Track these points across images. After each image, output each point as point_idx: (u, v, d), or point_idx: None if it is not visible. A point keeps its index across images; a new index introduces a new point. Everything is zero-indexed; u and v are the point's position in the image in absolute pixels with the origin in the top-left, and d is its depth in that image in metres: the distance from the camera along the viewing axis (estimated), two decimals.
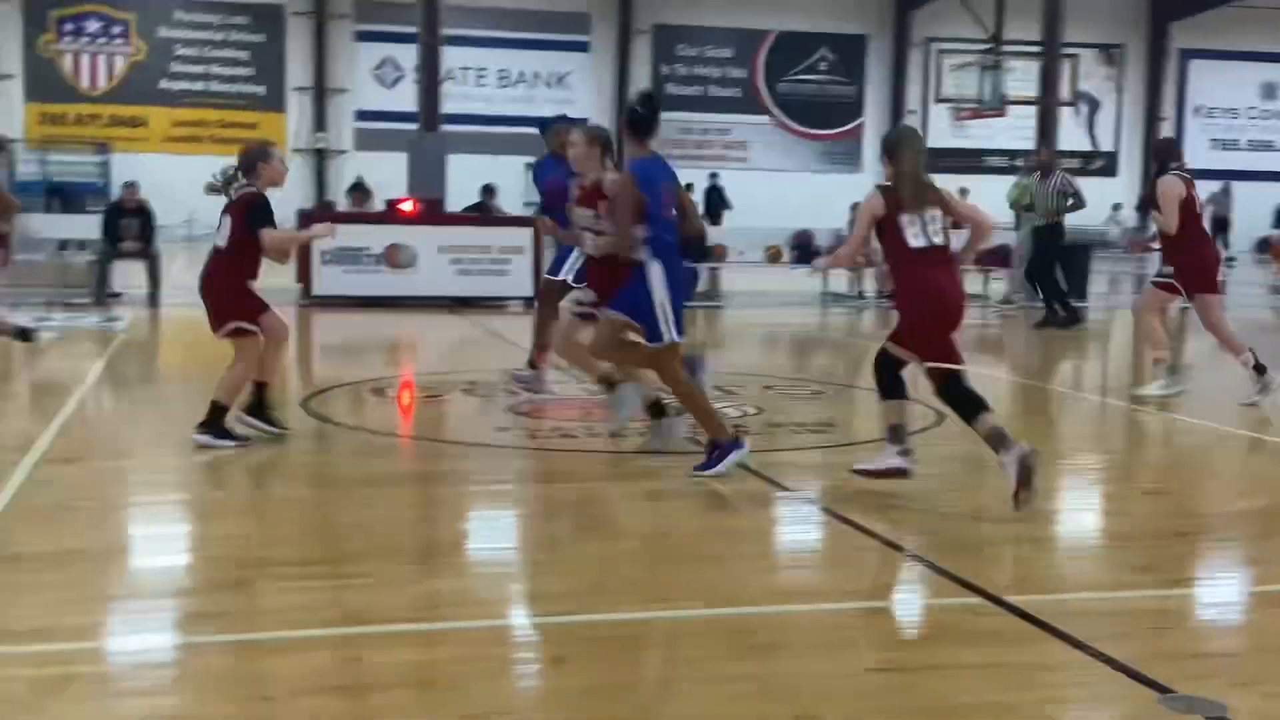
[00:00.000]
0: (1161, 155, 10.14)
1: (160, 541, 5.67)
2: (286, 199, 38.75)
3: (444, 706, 3.73)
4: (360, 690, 3.80)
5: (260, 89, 35.29)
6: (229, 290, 7.27)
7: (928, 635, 4.55)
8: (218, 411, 7.16)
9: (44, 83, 34.41)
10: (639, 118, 6.81)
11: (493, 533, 6.05)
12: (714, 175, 32.49)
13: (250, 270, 7.34)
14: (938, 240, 6.13)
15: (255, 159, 7.38)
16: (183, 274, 17.55)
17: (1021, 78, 30.85)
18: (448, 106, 22.42)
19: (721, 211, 31.02)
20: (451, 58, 25.33)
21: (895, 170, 6.21)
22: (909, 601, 4.94)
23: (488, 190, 20.57)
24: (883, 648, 4.42)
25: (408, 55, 30.66)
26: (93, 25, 34.50)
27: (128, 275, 17.24)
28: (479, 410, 9.10)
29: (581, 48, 36.93)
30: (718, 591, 4.84)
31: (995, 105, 31.56)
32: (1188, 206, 9.41)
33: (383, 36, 34.90)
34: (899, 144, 6.36)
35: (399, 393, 10.26)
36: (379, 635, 4.28)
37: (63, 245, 18.94)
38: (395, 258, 16.69)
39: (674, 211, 6.85)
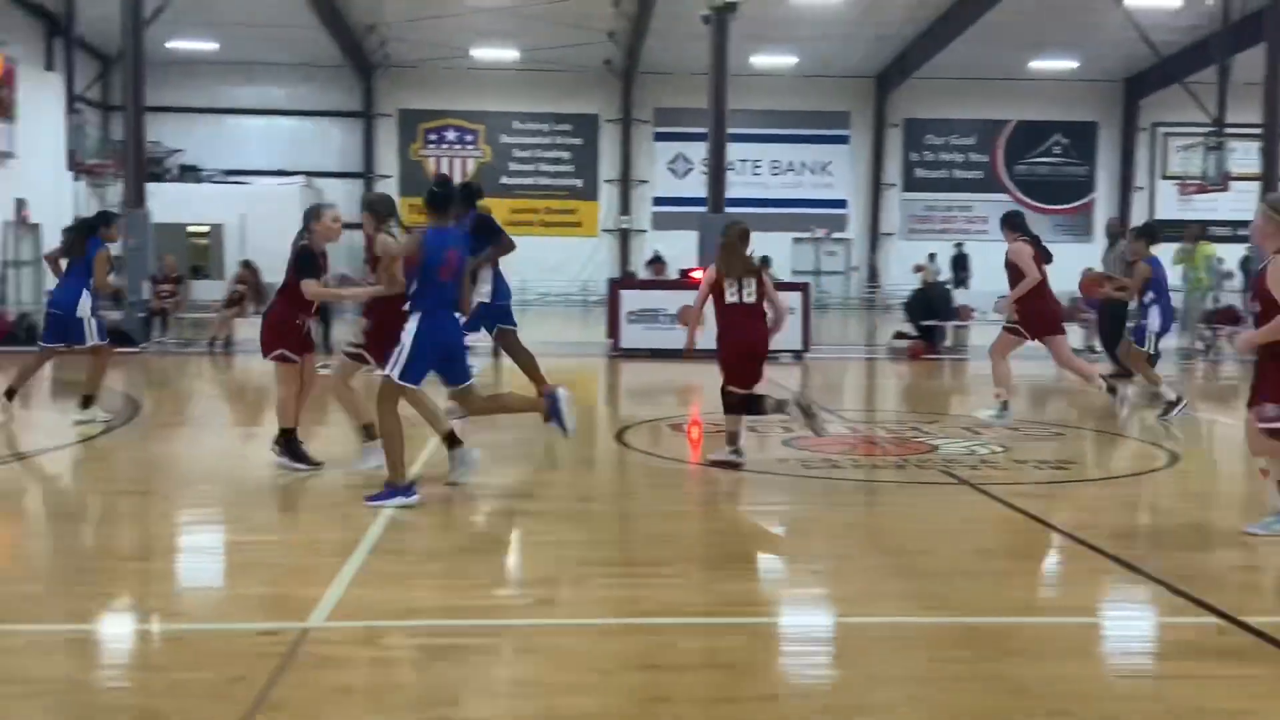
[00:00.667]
0: (1012, 224, 10.00)
1: (513, 542, 5.92)
2: (600, 268, 39.55)
3: (741, 685, 3.77)
4: (675, 668, 3.88)
5: (579, 182, 36.61)
6: (278, 322, 7.27)
7: (1173, 649, 4.29)
8: (284, 434, 7.22)
9: (413, 181, 36.68)
10: (434, 197, 6.66)
11: (776, 545, 6.07)
12: (959, 245, 31.67)
13: (303, 306, 7.22)
14: (750, 300, 7.71)
15: (309, 218, 7.24)
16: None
17: (1242, 156, 28.91)
18: (730, 192, 22.71)
19: (966, 276, 30.21)
20: (733, 152, 25.64)
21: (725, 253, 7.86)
22: (1151, 619, 4.67)
23: (764, 261, 20.71)
24: (1130, 658, 4.20)
25: (696, 151, 31.33)
26: (450, 135, 36.64)
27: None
28: (758, 443, 9.12)
29: (842, 140, 36.68)
30: (975, 603, 4.71)
31: (1217, 181, 29.61)
32: (1036, 263, 9.56)
33: (676, 137, 35.69)
34: (725, 235, 8.04)
35: (690, 428, 10.39)
36: (686, 625, 4.36)
37: None
38: (687, 317, 16.99)
39: (454, 276, 6.52)
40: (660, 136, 36.60)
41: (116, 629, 4.43)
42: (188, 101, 34.60)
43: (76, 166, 27.49)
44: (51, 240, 34.09)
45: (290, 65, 34.80)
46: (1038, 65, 33.54)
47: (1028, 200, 36.80)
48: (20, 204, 30.60)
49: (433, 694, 3.69)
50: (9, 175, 29.88)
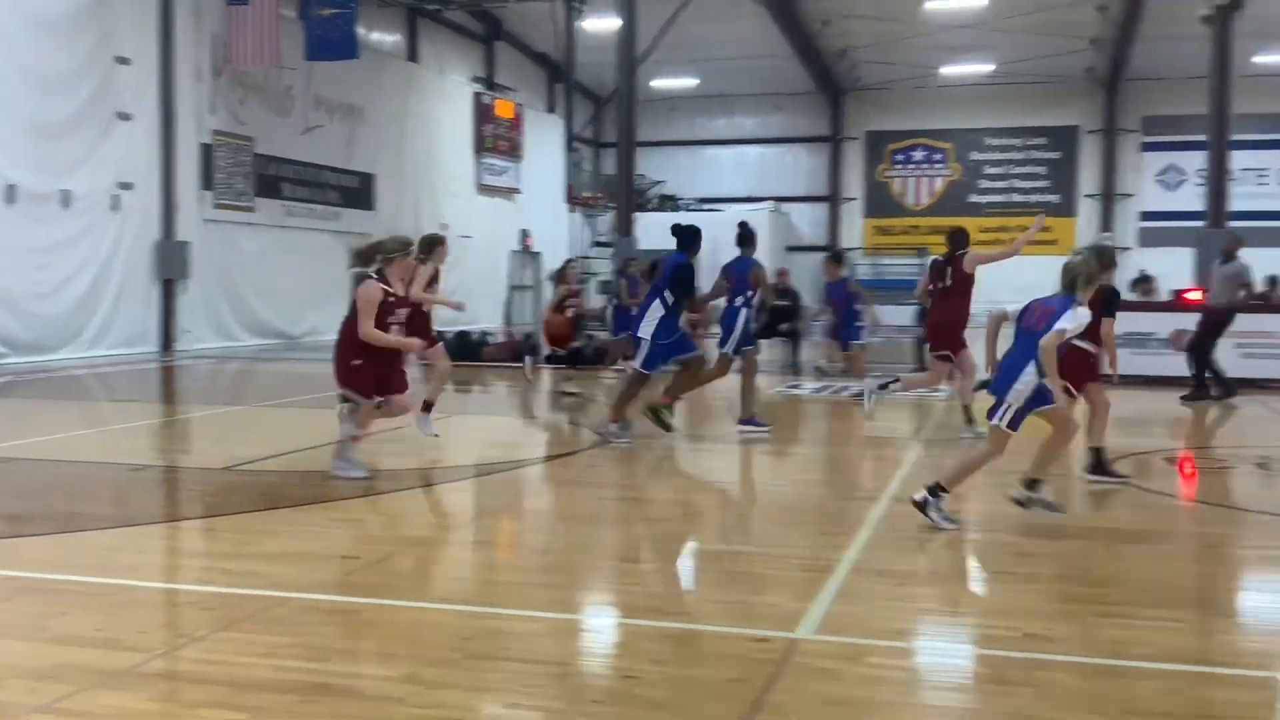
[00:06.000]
0: None
1: (994, 569, 5.84)
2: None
3: None
4: (1165, 716, 3.71)
5: (1055, 198, 35.10)
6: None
7: None
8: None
9: (878, 202, 36.97)
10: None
11: (1266, 593, 5.56)
12: None
13: None
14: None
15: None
16: None
17: None
18: (1232, 204, 20.85)
19: None
20: (1235, 160, 23.47)
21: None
22: None
23: (1272, 281, 18.83)
24: None
25: (1191, 160, 29.17)
26: (918, 154, 36.51)
27: None
28: (1265, 483, 8.35)
29: None
30: None
31: None
32: None
33: (1167, 146, 33.30)
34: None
35: (1182, 462, 9.66)
36: (1182, 672, 4.14)
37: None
38: (1180, 341, 15.72)
39: None
40: (1148, 146, 34.35)
41: (613, 622, 4.89)
42: (668, 135, 37.08)
43: (572, 199, 30.35)
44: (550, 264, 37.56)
45: (761, 95, 36.30)
46: None
47: None
48: (524, 234, 34.28)
49: (921, 716, 3.79)
50: (517, 209, 33.58)
